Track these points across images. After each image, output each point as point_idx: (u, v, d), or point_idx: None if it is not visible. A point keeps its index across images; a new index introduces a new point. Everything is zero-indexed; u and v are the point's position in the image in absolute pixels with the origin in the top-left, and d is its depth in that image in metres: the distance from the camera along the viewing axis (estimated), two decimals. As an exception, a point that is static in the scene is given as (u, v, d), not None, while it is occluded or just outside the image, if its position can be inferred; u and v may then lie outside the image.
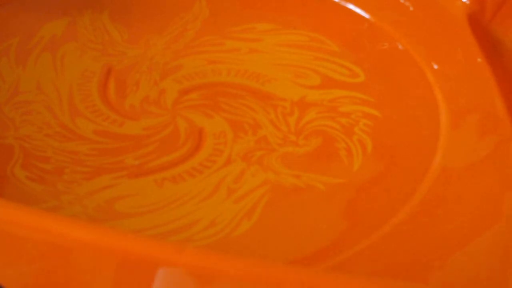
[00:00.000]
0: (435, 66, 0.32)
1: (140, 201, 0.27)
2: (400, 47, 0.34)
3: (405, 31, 0.34)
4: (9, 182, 0.27)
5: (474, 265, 0.24)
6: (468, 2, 0.34)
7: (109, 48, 0.33)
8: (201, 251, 0.19)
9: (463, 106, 0.30)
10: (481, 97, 0.31)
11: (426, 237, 0.25)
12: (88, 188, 0.27)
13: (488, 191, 0.27)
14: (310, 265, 0.24)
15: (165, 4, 0.36)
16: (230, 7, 0.36)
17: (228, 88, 0.31)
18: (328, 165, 0.28)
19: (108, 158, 0.28)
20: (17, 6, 0.35)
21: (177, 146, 0.29)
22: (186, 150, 0.29)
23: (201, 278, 0.19)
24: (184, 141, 0.29)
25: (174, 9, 0.35)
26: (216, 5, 0.36)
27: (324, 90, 0.32)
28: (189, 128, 0.29)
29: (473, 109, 0.30)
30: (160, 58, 0.33)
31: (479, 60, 0.32)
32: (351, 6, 0.36)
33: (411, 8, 0.35)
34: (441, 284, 0.23)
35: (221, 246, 0.25)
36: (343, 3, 0.36)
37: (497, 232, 0.25)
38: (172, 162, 0.28)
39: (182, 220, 0.26)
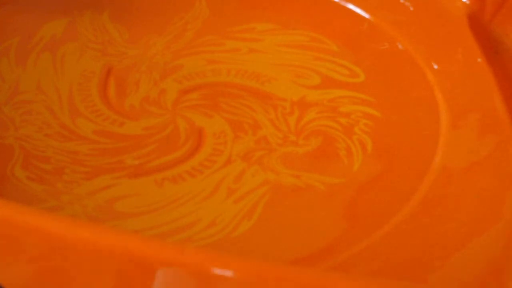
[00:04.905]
0: (435, 66, 0.32)
1: (140, 201, 0.27)
2: (400, 47, 0.34)
3: (405, 31, 0.34)
4: (9, 182, 0.27)
5: (474, 265, 0.24)
6: (468, 2, 0.34)
7: (109, 48, 0.33)
8: (201, 251, 0.19)
9: (463, 106, 0.30)
10: (481, 97, 0.31)
11: (426, 237, 0.25)
12: (88, 188, 0.27)
13: (488, 191, 0.27)
14: (310, 265, 0.24)
15: (165, 4, 0.36)
16: (230, 7, 0.36)
17: (228, 88, 0.31)
18: (328, 165, 0.28)
19: (108, 158, 0.28)
20: (17, 6, 0.35)
21: (177, 146, 0.29)
22: (186, 150, 0.29)
23: (201, 278, 0.19)
24: (184, 141, 0.29)
25: (174, 9, 0.35)
26: (216, 5, 0.36)
27: (324, 90, 0.32)
28: (189, 128, 0.29)
29: (473, 109, 0.30)
30: (160, 58, 0.33)
31: (479, 60, 0.32)
32: (351, 6, 0.36)
33: (411, 8, 0.35)
34: (441, 284, 0.23)
35: (221, 246, 0.25)
36: (343, 3, 0.36)
37: (497, 232, 0.25)
38: (172, 162, 0.28)
39: (182, 220, 0.26)
